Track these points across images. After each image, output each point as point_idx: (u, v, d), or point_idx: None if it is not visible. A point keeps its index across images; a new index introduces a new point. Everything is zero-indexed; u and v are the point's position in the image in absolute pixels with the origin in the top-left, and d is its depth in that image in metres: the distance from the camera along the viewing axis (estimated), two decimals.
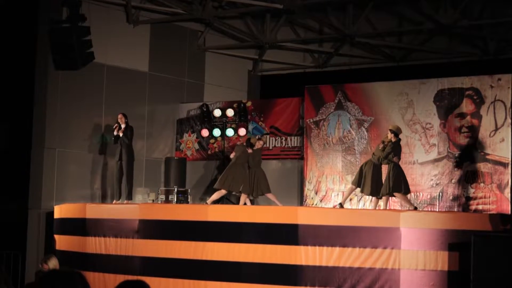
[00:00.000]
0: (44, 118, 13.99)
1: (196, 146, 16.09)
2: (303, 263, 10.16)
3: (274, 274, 10.31)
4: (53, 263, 10.15)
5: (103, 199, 14.60)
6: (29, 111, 14.03)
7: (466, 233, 9.46)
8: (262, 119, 15.56)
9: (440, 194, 13.46)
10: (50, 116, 14.02)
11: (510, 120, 13.07)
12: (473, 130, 13.37)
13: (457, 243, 9.71)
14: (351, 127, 14.45)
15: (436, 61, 16.37)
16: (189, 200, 14.11)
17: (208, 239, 10.72)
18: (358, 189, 12.57)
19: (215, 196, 13.09)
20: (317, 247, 10.11)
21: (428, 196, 13.55)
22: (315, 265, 10.11)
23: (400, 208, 12.75)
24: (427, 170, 13.63)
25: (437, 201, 13.45)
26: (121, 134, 13.18)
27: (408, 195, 12.45)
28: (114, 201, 13.32)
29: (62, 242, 12.58)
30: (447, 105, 13.63)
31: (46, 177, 13.92)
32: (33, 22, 13.99)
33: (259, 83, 18.08)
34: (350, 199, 13.57)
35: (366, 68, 17.17)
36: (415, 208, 12.15)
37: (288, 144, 15.27)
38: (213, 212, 11.03)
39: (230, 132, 15.66)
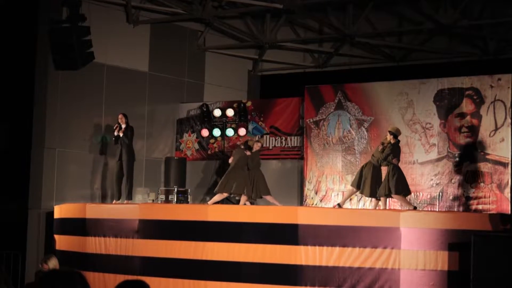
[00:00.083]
0: (44, 118, 13.99)
1: (196, 146, 16.09)
2: (303, 263, 10.16)
3: (274, 274, 10.31)
4: (53, 263, 10.14)
5: (103, 199, 14.61)
6: (29, 111, 14.03)
7: (466, 233, 9.46)
8: (262, 119, 15.56)
9: (440, 194, 13.46)
10: (50, 116, 14.02)
11: (510, 120, 13.07)
12: (473, 130, 13.37)
13: (457, 243, 9.72)
14: (351, 127, 14.45)
15: (436, 61, 16.37)
16: (189, 200, 14.12)
17: (208, 239, 10.72)
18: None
19: (217, 198, 13.08)
20: (317, 247, 10.11)
21: (428, 196, 13.55)
22: (315, 265, 10.11)
23: (400, 208, 12.74)
24: (427, 170, 13.63)
25: (437, 201, 13.45)
26: (121, 135, 13.18)
27: (408, 197, 12.46)
28: (114, 201, 13.32)
29: (62, 242, 12.58)
30: (447, 105, 13.63)
31: (46, 177, 13.92)
32: (33, 22, 13.99)
33: (259, 83, 18.08)
34: (350, 199, 13.57)
35: (366, 68, 17.17)
36: (415, 208, 12.16)
37: (288, 144, 15.27)
38: (213, 212, 11.03)
39: (230, 132, 15.66)
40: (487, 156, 13.17)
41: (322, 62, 17.45)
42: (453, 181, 13.43)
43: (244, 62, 17.65)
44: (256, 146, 13.22)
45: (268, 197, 13.09)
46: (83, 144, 14.51)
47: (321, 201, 14.50)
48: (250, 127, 15.61)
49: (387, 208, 12.36)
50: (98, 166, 14.72)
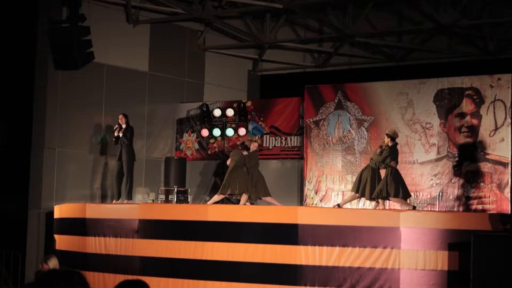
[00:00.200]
0: (44, 118, 13.98)
1: (196, 146, 16.09)
2: (303, 263, 10.15)
3: (274, 274, 10.30)
4: (53, 263, 10.14)
5: (103, 199, 14.60)
6: (29, 111, 14.02)
7: (466, 233, 9.45)
8: (262, 119, 15.56)
9: (440, 193, 13.46)
10: (50, 116, 14.02)
11: (510, 120, 13.06)
12: (473, 130, 13.37)
13: (457, 243, 9.71)
14: (351, 126, 14.45)
15: (436, 61, 16.37)
16: (189, 200, 14.11)
17: (208, 239, 10.71)
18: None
19: (216, 198, 13.09)
20: (317, 247, 10.10)
21: (428, 196, 13.54)
22: (315, 264, 10.10)
23: (400, 208, 12.74)
24: (427, 170, 13.63)
25: (437, 201, 13.45)
26: (120, 135, 13.18)
27: (408, 199, 12.46)
28: (114, 201, 13.31)
29: (62, 242, 12.58)
30: (447, 104, 13.63)
31: (46, 177, 13.92)
32: (33, 22, 13.99)
33: (259, 83, 18.08)
34: (350, 196, 13.55)
35: (366, 67, 17.17)
36: (414, 208, 12.16)
37: (288, 144, 15.27)
38: (213, 212, 11.02)
39: (230, 132, 15.66)
40: (487, 156, 13.17)
41: (322, 62, 17.44)
42: (453, 181, 13.42)
43: (244, 62, 17.65)
44: (253, 146, 13.25)
45: (268, 199, 13.09)
46: (83, 144, 14.51)
47: (321, 201, 14.49)
48: (250, 127, 15.61)
49: (387, 208, 12.36)
50: (98, 166, 14.72)
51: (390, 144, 12.08)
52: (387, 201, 12.32)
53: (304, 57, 17.72)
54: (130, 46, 15.25)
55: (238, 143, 14.92)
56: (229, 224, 10.74)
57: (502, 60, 15.34)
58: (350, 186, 13.74)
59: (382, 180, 12.00)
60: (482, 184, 13.15)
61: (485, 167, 13.16)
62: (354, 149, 14.36)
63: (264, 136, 15.42)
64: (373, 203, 12.62)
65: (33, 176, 13.94)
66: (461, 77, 13.64)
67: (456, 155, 13.46)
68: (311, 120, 14.82)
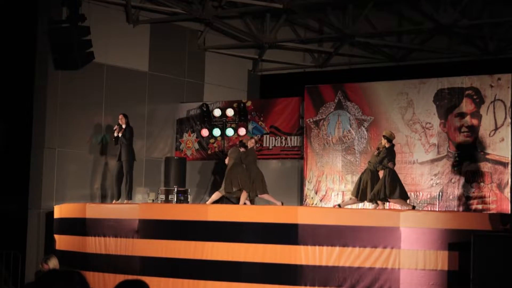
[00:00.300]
0: (44, 118, 13.98)
1: (196, 146, 16.09)
2: (303, 262, 10.15)
3: (274, 274, 10.30)
4: (53, 263, 10.14)
5: (103, 199, 14.60)
6: (29, 111, 14.02)
7: (466, 232, 9.45)
8: (262, 118, 15.56)
9: (440, 193, 13.46)
10: (50, 116, 14.02)
11: (510, 120, 13.07)
12: (473, 130, 13.37)
13: (457, 243, 9.71)
14: (351, 126, 14.45)
15: (436, 60, 16.37)
16: (189, 200, 14.11)
17: (208, 239, 10.71)
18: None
19: (215, 196, 13.09)
20: (317, 247, 10.10)
21: (428, 196, 13.54)
22: (315, 264, 10.10)
23: (399, 208, 12.74)
24: (427, 170, 13.63)
25: (437, 201, 13.45)
26: (120, 135, 13.18)
27: (408, 200, 12.46)
28: (114, 201, 13.31)
29: (62, 242, 12.58)
30: (447, 104, 13.63)
31: (46, 177, 13.92)
32: (33, 22, 13.99)
33: (259, 83, 18.08)
34: (350, 199, 13.55)
35: (366, 67, 17.17)
36: (413, 208, 12.16)
37: (288, 144, 15.27)
38: (213, 212, 11.02)
39: (230, 132, 15.66)
40: (487, 156, 13.17)
41: (322, 62, 17.44)
42: (453, 180, 13.42)
43: (244, 62, 17.65)
44: (250, 143, 13.26)
45: (265, 196, 13.07)
46: (83, 144, 14.51)
47: (321, 201, 14.49)
48: (250, 127, 15.61)
49: (387, 208, 12.36)
50: (98, 166, 14.72)
51: (387, 145, 12.13)
52: (387, 202, 12.33)
53: (304, 57, 17.72)
54: (130, 46, 15.25)
55: (238, 143, 14.92)
56: (229, 224, 10.74)
57: (502, 60, 15.34)
58: (350, 186, 13.75)
59: (380, 181, 12.03)
60: (482, 184, 13.16)
61: (485, 167, 13.16)
62: (354, 149, 14.36)
63: (264, 136, 15.42)
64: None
65: (33, 176, 13.94)
66: (461, 77, 13.64)
67: (456, 155, 13.47)
68: (311, 120, 14.83)
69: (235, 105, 15.73)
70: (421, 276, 9.81)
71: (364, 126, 14.32)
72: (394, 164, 12.08)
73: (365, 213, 11.30)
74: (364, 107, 14.33)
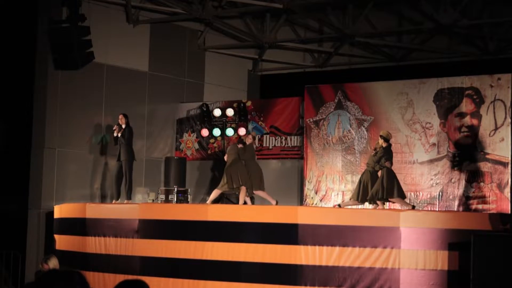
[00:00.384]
0: (44, 118, 13.98)
1: (196, 145, 16.09)
2: (303, 262, 10.15)
3: (274, 274, 10.30)
4: (53, 263, 10.13)
5: (103, 199, 14.61)
6: (29, 111, 14.03)
7: (466, 232, 9.45)
8: (262, 118, 15.56)
9: (440, 193, 13.46)
10: (50, 116, 14.02)
11: (510, 120, 13.07)
12: (473, 130, 13.37)
13: (457, 243, 9.71)
14: (351, 126, 14.45)
15: (436, 60, 16.37)
16: (189, 199, 14.11)
17: (208, 239, 10.71)
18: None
19: (214, 194, 13.08)
20: (317, 247, 10.10)
21: (428, 196, 13.54)
22: (315, 264, 10.10)
23: (399, 208, 12.74)
24: (427, 170, 13.63)
25: (437, 201, 13.45)
26: (119, 135, 13.17)
27: (406, 199, 12.46)
28: (114, 201, 13.31)
29: (62, 242, 12.58)
30: (447, 104, 13.63)
31: (46, 177, 13.92)
32: (33, 22, 13.99)
33: (259, 83, 18.09)
34: (350, 199, 13.56)
35: (366, 67, 17.17)
36: (413, 207, 12.17)
37: (288, 144, 15.27)
38: (213, 211, 11.02)
39: (230, 131, 15.66)
40: (487, 156, 13.17)
41: (322, 61, 17.44)
42: (453, 180, 13.42)
43: (244, 62, 17.65)
44: (248, 139, 13.25)
45: (259, 193, 13.02)
46: (83, 144, 14.51)
47: (321, 200, 14.49)
48: (250, 126, 15.61)
49: (387, 208, 12.37)
50: (98, 166, 14.72)
51: (384, 145, 12.17)
52: (386, 202, 12.34)
53: (304, 57, 17.72)
54: (130, 46, 15.25)
55: (234, 142, 14.93)
56: (229, 224, 10.74)
57: (502, 60, 15.35)
58: (350, 186, 13.76)
59: (378, 181, 12.05)
60: (482, 184, 13.16)
61: (485, 167, 13.16)
62: (354, 149, 14.36)
63: (264, 136, 15.43)
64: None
65: (33, 176, 13.94)
66: (461, 77, 13.64)
67: (456, 155, 13.46)
68: (311, 120, 14.83)
69: (235, 105, 15.73)
70: (421, 276, 9.81)
71: (364, 126, 14.32)
72: (391, 164, 12.10)
73: (365, 213, 11.30)
74: (364, 107, 14.33)
